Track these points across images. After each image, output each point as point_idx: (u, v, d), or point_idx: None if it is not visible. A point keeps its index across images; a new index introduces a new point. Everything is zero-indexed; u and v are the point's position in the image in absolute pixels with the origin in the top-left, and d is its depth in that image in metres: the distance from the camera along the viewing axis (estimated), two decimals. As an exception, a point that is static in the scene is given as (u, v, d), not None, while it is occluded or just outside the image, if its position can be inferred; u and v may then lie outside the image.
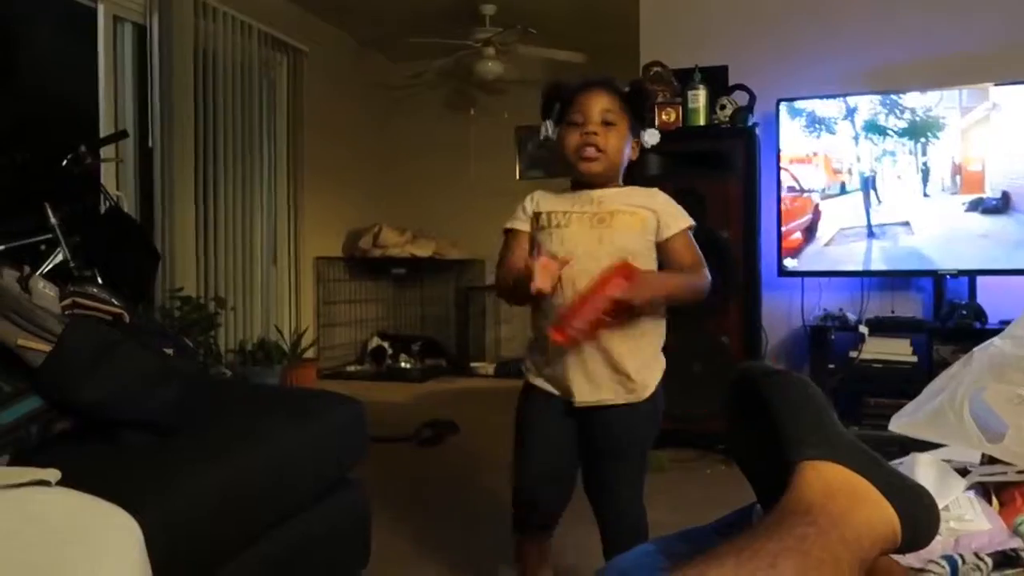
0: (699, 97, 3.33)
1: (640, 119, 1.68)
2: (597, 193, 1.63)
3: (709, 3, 3.75)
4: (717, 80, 3.39)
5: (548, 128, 1.70)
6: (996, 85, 3.11)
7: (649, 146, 1.72)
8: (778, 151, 3.37)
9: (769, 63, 3.58)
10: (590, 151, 1.59)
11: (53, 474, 1.06)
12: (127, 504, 1.05)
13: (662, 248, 1.62)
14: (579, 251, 1.57)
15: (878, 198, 3.25)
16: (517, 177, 6.16)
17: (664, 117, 3.35)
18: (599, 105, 1.60)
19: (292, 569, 1.52)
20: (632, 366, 1.58)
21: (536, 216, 1.66)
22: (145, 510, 1.07)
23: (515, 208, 1.72)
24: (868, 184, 3.26)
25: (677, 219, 1.63)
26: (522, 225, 1.68)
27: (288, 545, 1.50)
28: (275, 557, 1.46)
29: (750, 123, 3.30)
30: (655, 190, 1.68)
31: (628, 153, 1.66)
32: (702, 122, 3.33)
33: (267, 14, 4.85)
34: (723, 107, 3.33)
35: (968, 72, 3.23)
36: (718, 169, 3.24)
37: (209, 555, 1.26)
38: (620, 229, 1.59)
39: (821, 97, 3.33)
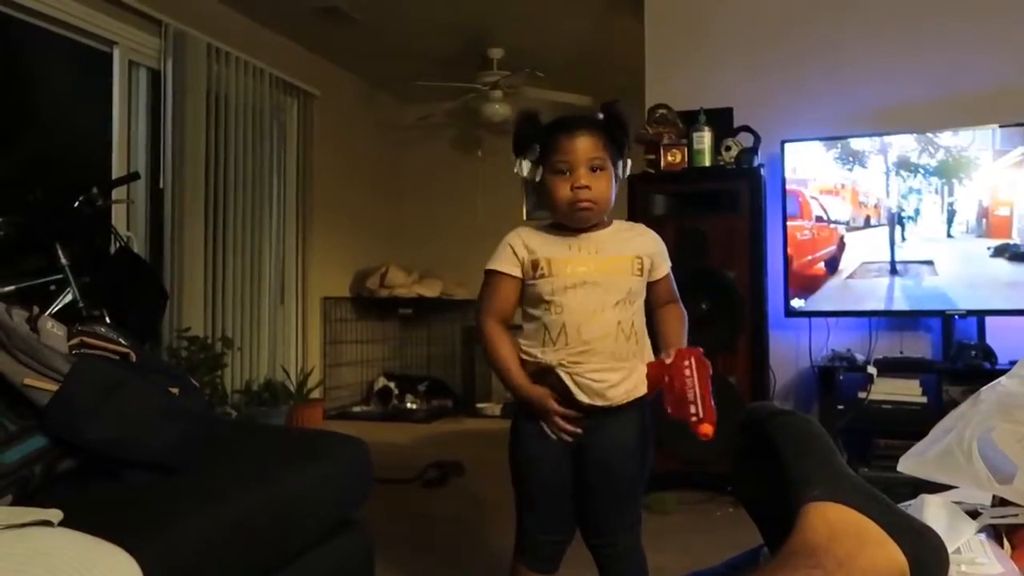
0: (704, 138, 3.35)
1: (621, 147, 1.62)
2: (590, 236, 1.61)
3: (714, 46, 3.80)
4: (722, 121, 3.43)
5: (524, 167, 1.61)
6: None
7: (624, 177, 1.65)
8: (783, 192, 3.39)
9: (773, 105, 3.62)
10: (584, 202, 1.55)
11: (55, 514, 1.05)
12: (128, 544, 1.04)
13: (651, 286, 1.66)
14: (587, 296, 1.57)
15: (903, 235, 3.25)
16: (524, 218, 6.20)
17: (670, 158, 3.38)
18: (586, 152, 1.55)
19: (295, 612, 1.50)
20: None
21: (533, 263, 1.60)
22: (146, 550, 1.06)
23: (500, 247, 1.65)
24: (894, 220, 3.27)
25: (665, 260, 1.67)
26: (512, 270, 1.61)
27: (291, 587, 1.48)
28: (277, 600, 1.44)
29: (755, 164, 3.32)
30: (637, 226, 1.69)
31: (616, 190, 1.62)
32: (707, 163, 3.35)
33: (278, 58, 4.95)
34: (728, 148, 3.36)
35: (975, 112, 3.26)
36: (723, 210, 3.26)
37: (210, 597, 1.25)
38: (621, 272, 1.59)
39: (824, 139, 3.36)
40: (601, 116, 1.62)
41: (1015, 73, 3.36)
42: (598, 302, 1.56)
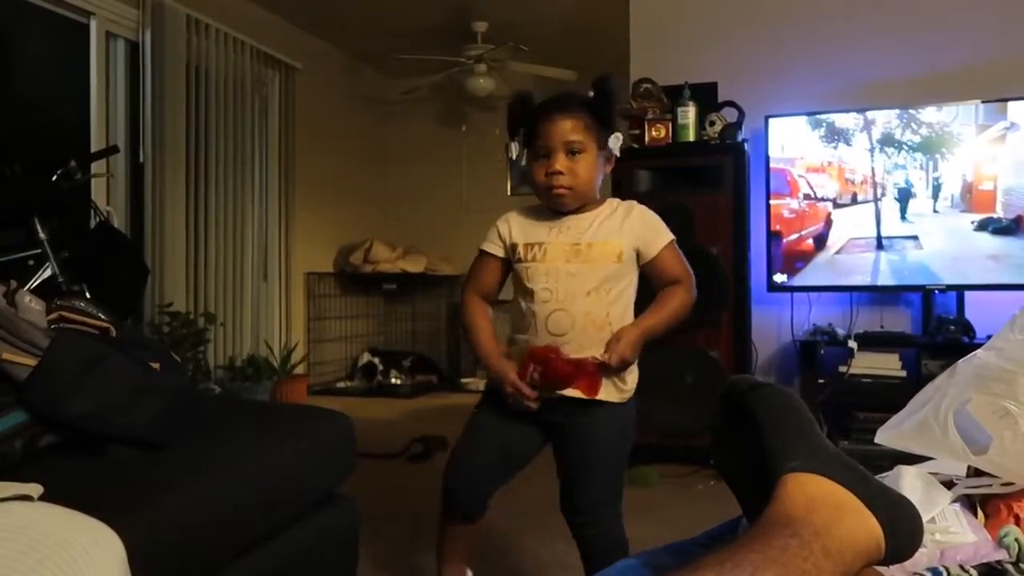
0: (689, 113, 3.35)
1: (608, 125, 1.59)
2: (574, 220, 1.60)
3: (699, 20, 3.79)
4: (707, 96, 3.42)
5: (514, 149, 1.65)
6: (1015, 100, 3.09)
7: (617, 153, 1.63)
8: (767, 167, 3.40)
9: (757, 80, 3.61)
10: (558, 189, 1.55)
11: (35, 489, 1.05)
12: (110, 519, 1.04)
13: (648, 268, 1.60)
14: (558, 286, 1.56)
15: (897, 211, 3.26)
16: (508, 193, 6.18)
17: (654, 133, 3.38)
18: (562, 135, 1.53)
19: (279, 585, 1.51)
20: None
21: (512, 247, 1.63)
22: (128, 525, 1.06)
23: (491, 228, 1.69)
24: (879, 196, 3.28)
25: (658, 236, 1.59)
26: (495, 250, 1.66)
27: (275, 561, 1.49)
28: (262, 573, 1.45)
29: (739, 139, 3.32)
30: (631, 207, 1.63)
31: (602, 170, 1.61)
32: (691, 138, 3.35)
33: (260, 30, 4.87)
34: (712, 123, 3.35)
35: (950, 90, 3.27)
36: (707, 185, 3.26)
37: (194, 571, 1.25)
38: (598, 261, 1.56)
39: (808, 114, 3.36)
40: (591, 93, 1.59)
41: (997, 48, 3.37)
42: (569, 292, 1.55)
